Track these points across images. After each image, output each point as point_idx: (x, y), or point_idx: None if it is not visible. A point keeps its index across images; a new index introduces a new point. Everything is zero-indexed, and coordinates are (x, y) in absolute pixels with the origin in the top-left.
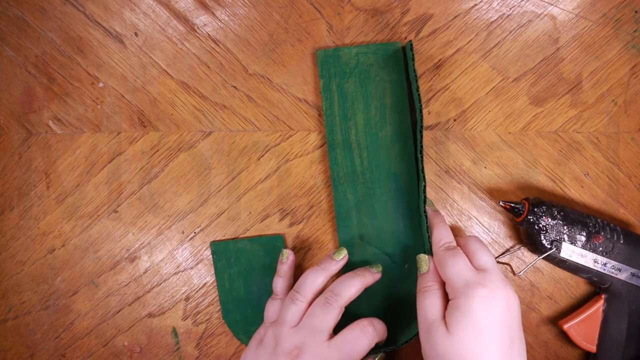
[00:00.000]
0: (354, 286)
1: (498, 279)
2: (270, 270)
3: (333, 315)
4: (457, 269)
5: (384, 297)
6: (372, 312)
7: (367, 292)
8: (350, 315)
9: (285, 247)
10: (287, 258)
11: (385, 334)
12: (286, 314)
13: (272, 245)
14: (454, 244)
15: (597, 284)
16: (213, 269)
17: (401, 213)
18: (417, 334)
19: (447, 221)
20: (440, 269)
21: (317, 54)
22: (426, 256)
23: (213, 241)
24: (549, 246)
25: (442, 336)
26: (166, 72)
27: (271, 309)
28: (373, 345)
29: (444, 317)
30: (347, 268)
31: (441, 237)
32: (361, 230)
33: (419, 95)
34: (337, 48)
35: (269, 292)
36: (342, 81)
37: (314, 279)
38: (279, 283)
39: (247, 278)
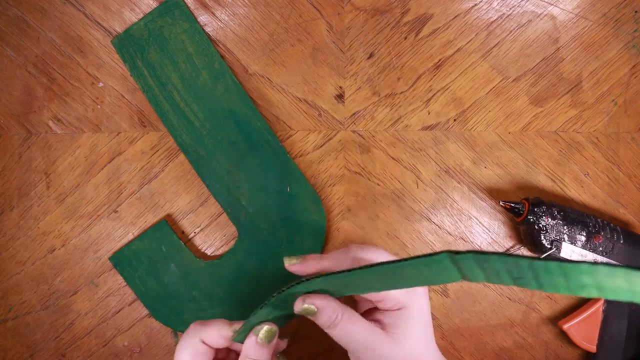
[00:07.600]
0: None
1: None
2: (169, 255)
3: None
4: None
5: (277, 219)
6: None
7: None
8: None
9: (177, 237)
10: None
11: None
12: None
13: (160, 233)
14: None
15: None
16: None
17: (257, 143)
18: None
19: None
20: None
21: (112, 43)
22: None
23: (110, 257)
24: (549, 246)
25: (388, 348)
26: None
27: None
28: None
29: (376, 328)
30: (234, 215)
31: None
32: (230, 178)
33: None
34: (127, 29)
35: (179, 276)
36: (144, 55)
37: None
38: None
39: (154, 273)
